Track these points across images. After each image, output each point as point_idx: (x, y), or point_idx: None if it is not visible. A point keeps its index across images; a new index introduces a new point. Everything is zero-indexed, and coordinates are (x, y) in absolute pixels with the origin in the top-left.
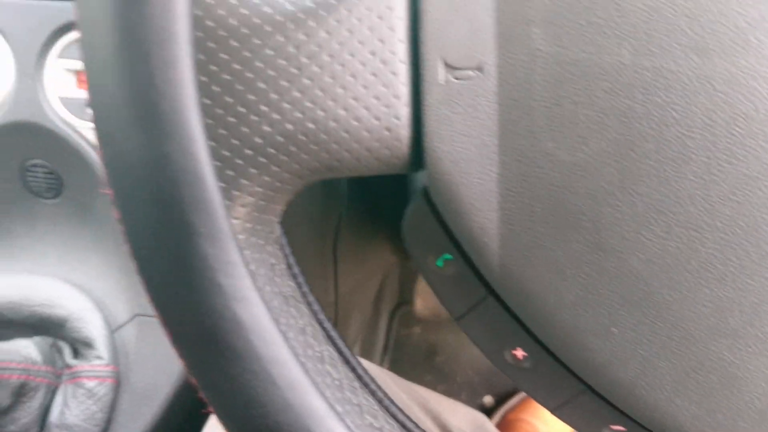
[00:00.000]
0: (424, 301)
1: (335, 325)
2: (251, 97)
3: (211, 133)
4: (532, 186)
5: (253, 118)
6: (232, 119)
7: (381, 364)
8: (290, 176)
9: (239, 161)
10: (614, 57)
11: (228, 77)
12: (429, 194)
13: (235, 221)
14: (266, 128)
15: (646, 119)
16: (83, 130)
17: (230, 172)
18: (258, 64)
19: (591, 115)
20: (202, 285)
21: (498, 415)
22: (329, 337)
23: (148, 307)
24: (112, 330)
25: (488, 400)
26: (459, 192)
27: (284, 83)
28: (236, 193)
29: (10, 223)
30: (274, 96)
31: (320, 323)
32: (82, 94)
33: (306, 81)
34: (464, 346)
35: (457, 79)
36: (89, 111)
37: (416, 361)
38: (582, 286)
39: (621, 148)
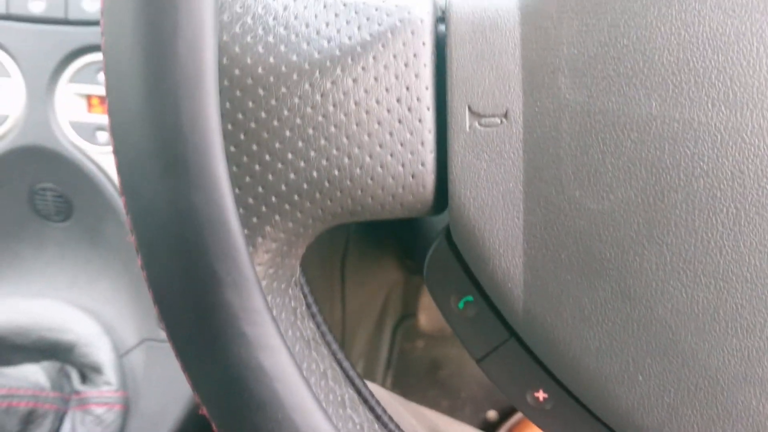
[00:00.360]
0: (428, 316)
1: (342, 344)
2: (277, 144)
3: (236, 181)
4: (557, 233)
5: (279, 165)
6: (257, 167)
7: (384, 378)
8: (314, 221)
9: (264, 208)
10: (643, 108)
11: (254, 125)
12: (451, 237)
13: (258, 267)
14: (292, 175)
15: (674, 170)
16: (93, 154)
17: (255, 219)
18: (285, 112)
19: (619, 165)
20: (226, 334)
21: (502, 431)
22: (349, 378)
23: (157, 332)
24: (121, 355)
25: (492, 414)
26: (483, 237)
27: (310, 131)
28: (260, 239)
29: (19, 246)
30: (300, 143)
31: (339, 364)
32: (93, 118)
33: (332, 128)
34: (468, 360)
35: (482, 125)
36: (115, 162)
37: (420, 375)
38: (607, 333)
39: (649, 197)
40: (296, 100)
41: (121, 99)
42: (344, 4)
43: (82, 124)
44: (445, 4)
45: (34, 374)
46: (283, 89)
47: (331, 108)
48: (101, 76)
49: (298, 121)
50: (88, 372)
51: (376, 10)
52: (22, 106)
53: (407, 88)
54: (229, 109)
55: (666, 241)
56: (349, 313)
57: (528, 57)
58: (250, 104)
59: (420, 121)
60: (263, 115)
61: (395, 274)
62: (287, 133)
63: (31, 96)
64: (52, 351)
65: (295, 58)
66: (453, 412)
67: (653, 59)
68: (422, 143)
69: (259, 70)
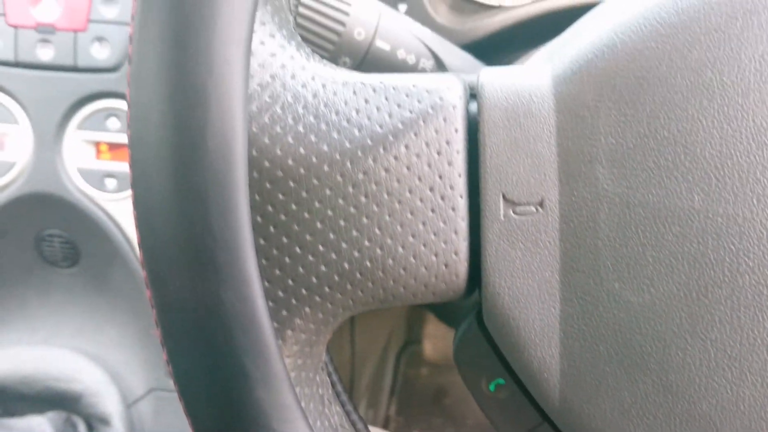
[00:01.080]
0: (433, 344)
1: (351, 383)
2: (308, 237)
3: (266, 274)
4: (596, 325)
5: (310, 258)
6: (287, 259)
7: (388, 405)
8: (344, 311)
9: (294, 301)
10: (685, 202)
11: (284, 218)
12: (482, 320)
13: (287, 359)
14: (323, 267)
15: (718, 265)
16: (101, 201)
17: (284, 312)
18: (316, 204)
19: (660, 258)
20: None
21: None
22: None
23: (165, 381)
24: (129, 404)
25: None
26: (518, 326)
27: (342, 222)
28: (289, 332)
29: (26, 293)
30: (331, 235)
31: None
32: (101, 165)
33: (364, 220)
34: None
35: (517, 214)
36: (141, 255)
37: (424, 402)
38: (648, 427)
39: (691, 292)
40: (327, 192)
41: (149, 193)
42: (374, 90)
43: (90, 171)
44: (476, 84)
45: (39, 425)
46: (314, 181)
47: (363, 199)
48: (110, 123)
49: (330, 212)
50: (95, 423)
51: (407, 96)
52: (29, 153)
53: (440, 176)
54: (258, 202)
55: (710, 336)
56: (357, 350)
57: (564, 145)
58: (281, 196)
59: (453, 209)
60: (294, 207)
61: (400, 307)
62: (318, 225)
63: (39, 143)
64: (58, 401)
65: (325, 148)
66: None
67: (695, 152)
68: (456, 232)
69: (289, 161)
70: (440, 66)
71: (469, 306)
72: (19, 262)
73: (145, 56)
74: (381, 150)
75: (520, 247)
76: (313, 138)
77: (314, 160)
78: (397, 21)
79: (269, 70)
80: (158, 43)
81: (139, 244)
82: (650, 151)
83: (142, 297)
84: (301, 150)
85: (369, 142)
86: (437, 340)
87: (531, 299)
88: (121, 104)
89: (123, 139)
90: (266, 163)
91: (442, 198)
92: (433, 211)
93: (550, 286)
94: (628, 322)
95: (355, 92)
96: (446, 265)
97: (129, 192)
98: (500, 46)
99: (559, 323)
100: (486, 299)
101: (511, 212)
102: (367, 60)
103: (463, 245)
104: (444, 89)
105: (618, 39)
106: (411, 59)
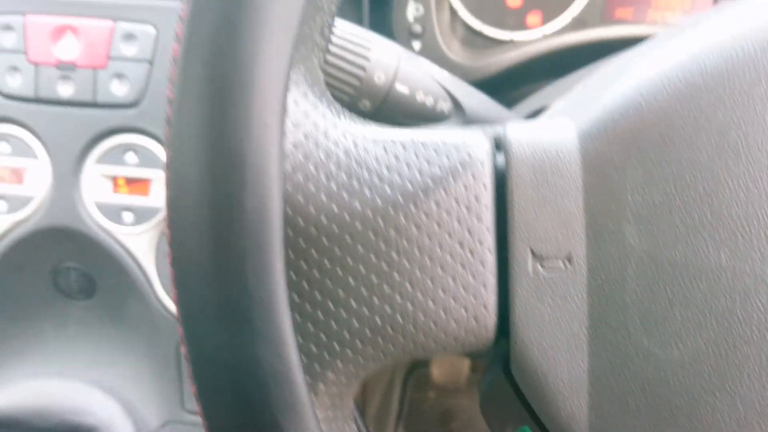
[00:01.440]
0: (440, 367)
1: (362, 408)
2: (341, 293)
3: (299, 329)
4: (624, 378)
5: (343, 313)
6: (321, 315)
7: (396, 429)
8: (374, 363)
9: (327, 356)
10: (712, 259)
11: (318, 274)
12: (509, 369)
13: (319, 413)
14: (355, 323)
15: (746, 322)
16: (118, 235)
17: (317, 367)
18: (349, 260)
19: (688, 314)
20: None
21: None
22: None
23: (180, 414)
24: None
25: None
26: (546, 378)
27: (374, 278)
28: (322, 386)
29: (41, 325)
30: (363, 291)
31: None
32: (118, 199)
33: (396, 275)
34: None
35: (545, 269)
36: (177, 311)
37: (431, 426)
38: None
39: (720, 348)
40: (360, 249)
41: (186, 252)
42: (404, 147)
43: (107, 205)
44: (501, 135)
45: None
46: (347, 238)
47: (395, 255)
48: (127, 157)
49: (362, 269)
50: None
51: (436, 152)
52: (48, 187)
53: (469, 232)
54: (293, 259)
55: (739, 392)
56: (368, 381)
57: (591, 202)
58: (314, 254)
59: (482, 264)
60: (327, 264)
61: None
62: (351, 281)
63: (57, 177)
64: None
65: (358, 205)
66: None
67: (721, 212)
68: (485, 286)
69: (323, 219)
70: (457, 107)
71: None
72: (35, 294)
73: (184, 120)
74: (412, 207)
75: (548, 301)
76: (345, 196)
77: (347, 217)
78: (416, 64)
79: (302, 129)
80: (197, 108)
81: (175, 301)
82: (677, 209)
83: (157, 330)
84: (334, 208)
85: (400, 199)
86: (444, 364)
87: (559, 352)
88: (139, 139)
89: (140, 173)
90: (300, 222)
91: (472, 253)
92: (462, 266)
93: (578, 339)
94: (656, 376)
95: (385, 149)
96: (476, 319)
97: (145, 225)
98: (511, 81)
99: (587, 376)
100: (514, 351)
101: (539, 267)
102: (387, 103)
103: (492, 299)
104: (472, 145)
105: (643, 99)
106: (429, 101)
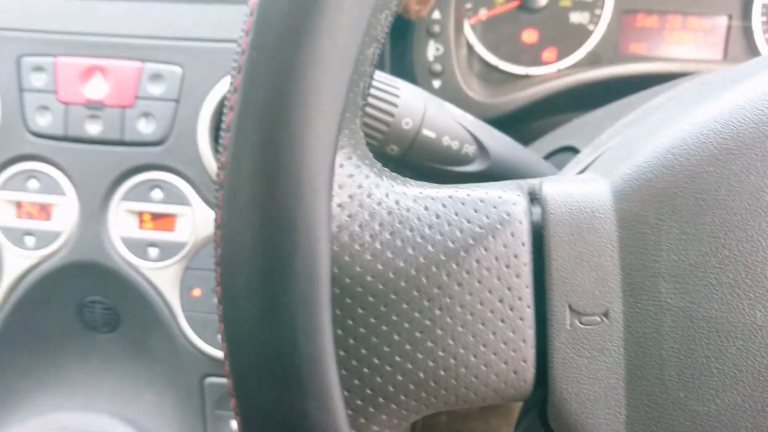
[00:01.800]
0: None
1: None
2: (386, 348)
3: (345, 383)
4: (661, 431)
5: (387, 368)
6: (366, 370)
7: None
8: (416, 415)
9: (371, 409)
10: (747, 317)
11: (363, 330)
12: (546, 419)
13: None
14: (399, 377)
15: None
16: (143, 270)
17: (362, 420)
18: (393, 317)
19: (724, 370)
20: None
21: None
22: None
23: None
24: None
25: None
26: (584, 430)
27: (418, 334)
28: None
29: (66, 358)
30: (407, 346)
31: None
32: (144, 234)
33: (438, 331)
34: None
35: (583, 323)
36: (227, 367)
37: None
38: None
39: (756, 403)
40: (404, 306)
41: (237, 310)
42: (443, 205)
43: (133, 240)
44: (536, 190)
45: None
46: (392, 295)
47: (437, 312)
48: (153, 194)
49: (406, 325)
50: None
51: (476, 211)
52: (75, 223)
53: (509, 288)
54: (339, 316)
55: None
56: None
57: (627, 259)
58: (360, 311)
59: (522, 319)
60: (372, 320)
61: None
62: (396, 337)
63: (84, 213)
64: None
65: (401, 264)
66: None
67: (755, 271)
68: (524, 341)
69: (368, 278)
70: (482, 150)
71: None
72: (60, 327)
73: (237, 183)
74: (454, 265)
75: (587, 354)
76: (389, 254)
77: (391, 275)
78: (442, 109)
79: (348, 191)
80: (250, 173)
81: (225, 357)
82: (712, 268)
83: (181, 363)
84: (379, 266)
85: (442, 257)
86: None
87: (597, 404)
88: (165, 176)
89: (166, 209)
90: (347, 280)
91: (511, 309)
92: (502, 321)
93: (615, 392)
94: (693, 430)
95: (426, 208)
96: (515, 372)
97: (170, 261)
98: (529, 115)
99: (625, 428)
100: (552, 402)
101: (577, 322)
102: (414, 147)
103: (530, 353)
104: (509, 203)
105: (676, 161)
106: (455, 145)
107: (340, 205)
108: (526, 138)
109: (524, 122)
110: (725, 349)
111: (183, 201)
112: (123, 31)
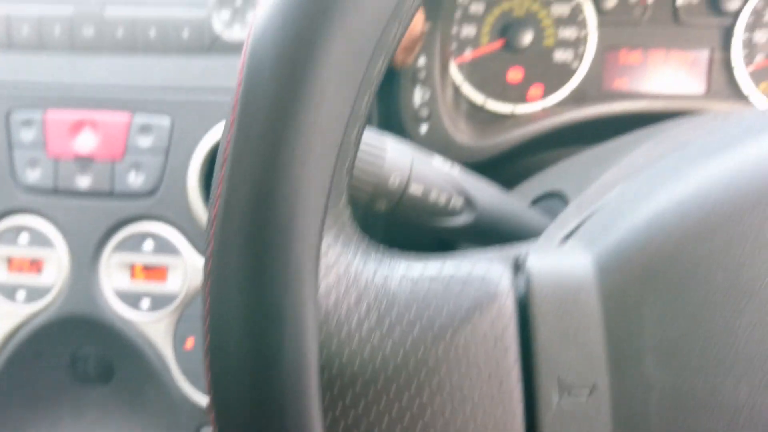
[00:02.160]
0: None
1: None
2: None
3: None
4: None
5: None
6: None
7: None
8: None
9: None
10: (730, 396)
11: (353, 415)
12: None
13: None
14: None
15: None
16: (136, 321)
17: None
18: (383, 400)
19: None
20: None
21: None
22: None
23: None
24: None
25: None
26: None
27: (408, 415)
28: None
29: (59, 411)
30: (398, 429)
31: None
32: (136, 286)
33: (428, 412)
34: None
35: (570, 397)
36: None
37: None
38: None
39: None
40: (393, 389)
41: (226, 398)
42: (430, 281)
43: (125, 292)
44: (521, 263)
45: None
46: (381, 380)
47: (426, 393)
48: (145, 245)
49: (396, 408)
50: None
51: (463, 288)
52: (66, 277)
53: (497, 364)
54: (329, 401)
55: None
56: None
57: (612, 334)
58: (350, 396)
59: (509, 395)
60: (362, 405)
61: None
62: (386, 420)
63: (75, 266)
64: None
65: (388, 350)
66: None
67: (737, 348)
68: (513, 416)
69: (356, 365)
70: (469, 202)
71: None
72: (53, 380)
73: (224, 275)
74: (442, 345)
75: (575, 429)
76: (376, 340)
77: (378, 362)
78: (429, 164)
79: (335, 272)
80: (236, 267)
81: None
82: (695, 344)
83: (176, 414)
84: (366, 351)
85: (429, 338)
86: None
87: None
88: (156, 227)
89: (157, 260)
90: (335, 367)
91: (500, 385)
92: (491, 398)
93: None
94: None
95: (413, 284)
96: None
97: (163, 312)
98: (514, 155)
99: None
100: None
101: (565, 396)
102: (402, 203)
103: (519, 429)
104: (495, 281)
105: (658, 236)
106: (442, 200)
107: (327, 290)
108: (513, 177)
109: (511, 162)
110: (711, 425)
111: (174, 251)
112: (111, 83)
